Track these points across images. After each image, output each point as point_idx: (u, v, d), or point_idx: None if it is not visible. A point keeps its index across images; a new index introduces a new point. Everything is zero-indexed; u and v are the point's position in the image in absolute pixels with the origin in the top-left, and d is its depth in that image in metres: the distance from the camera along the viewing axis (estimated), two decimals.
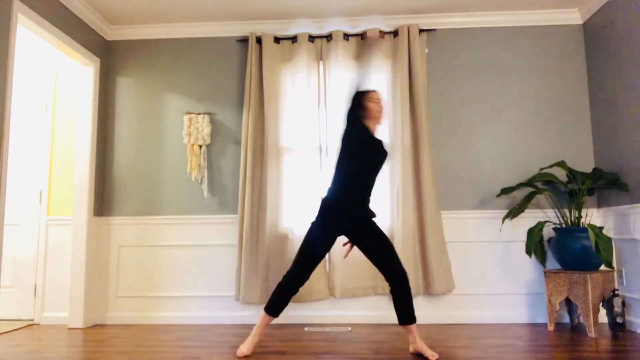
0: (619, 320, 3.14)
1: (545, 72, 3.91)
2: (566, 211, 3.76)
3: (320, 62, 3.95)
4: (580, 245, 3.28)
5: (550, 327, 3.39)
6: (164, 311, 3.85)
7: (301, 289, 3.62)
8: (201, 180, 3.93)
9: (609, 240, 3.08)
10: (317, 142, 3.83)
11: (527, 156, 3.84)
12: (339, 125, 3.80)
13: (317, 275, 3.69)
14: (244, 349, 2.79)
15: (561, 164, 3.50)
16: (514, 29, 3.96)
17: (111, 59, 4.14)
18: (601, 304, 3.25)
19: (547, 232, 3.74)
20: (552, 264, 3.72)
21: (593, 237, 3.10)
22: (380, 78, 3.89)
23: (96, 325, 3.80)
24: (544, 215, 3.76)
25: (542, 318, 3.67)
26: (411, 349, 2.78)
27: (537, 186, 3.59)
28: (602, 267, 3.52)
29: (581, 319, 3.57)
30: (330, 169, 3.78)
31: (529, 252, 3.45)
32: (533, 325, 3.57)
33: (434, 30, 3.97)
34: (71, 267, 3.72)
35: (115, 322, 3.85)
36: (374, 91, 2.89)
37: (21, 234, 3.99)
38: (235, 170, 3.93)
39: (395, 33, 3.91)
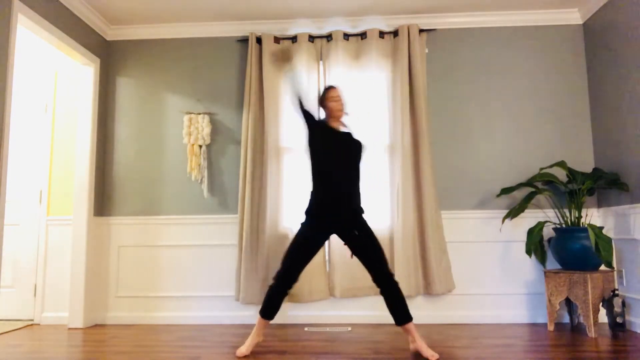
0: (619, 320, 3.14)
1: (545, 72, 3.91)
2: (566, 211, 3.76)
3: (320, 62, 3.95)
4: (580, 245, 3.28)
5: (550, 327, 3.39)
6: (164, 311, 3.85)
7: (301, 289, 3.63)
8: (201, 180, 3.93)
9: (609, 240, 3.08)
10: None
11: (527, 156, 3.84)
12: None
13: (317, 275, 3.69)
14: (244, 349, 2.80)
15: (561, 164, 3.50)
16: (514, 29, 3.96)
17: (111, 59, 4.14)
18: (601, 304, 3.25)
19: (547, 232, 3.74)
20: (552, 264, 3.72)
21: (593, 237, 3.10)
22: (380, 78, 3.89)
23: (96, 325, 3.80)
24: (544, 215, 3.76)
25: (542, 318, 3.67)
26: (411, 347, 2.78)
27: (537, 186, 3.59)
28: (602, 267, 3.52)
29: (581, 319, 3.57)
30: None
31: (529, 252, 3.45)
32: (533, 325, 3.57)
33: (434, 30, 3.97)
34: (71, 267, 3.72)
35: (115, 322, 3.85)
36: (332, 89, 2.94)
37: (21, 234, 3.99)
38: (235, 170, 3.93)
39: (395, 33, 3.91)
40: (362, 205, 2.90)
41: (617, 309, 3.15)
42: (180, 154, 3.99)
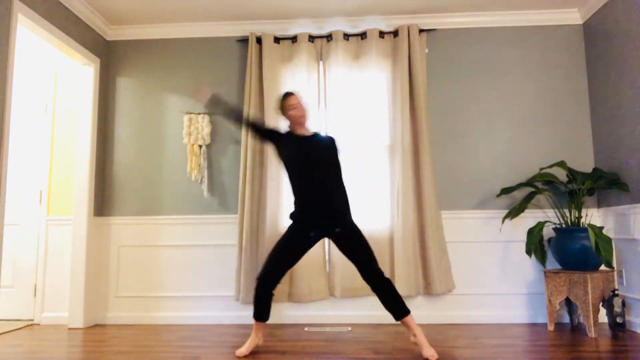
0: (619, 320, 3.14)
1: (545, 72, 3.91)
2: (566, 211, 3.76)
3: (320, 62, 3.95)
4: (580, 245, 3.28)
5: (550, 327, 3.39)
6: (164, 311, 3.85)
7: (301, 289, 3.63)
8: (201, 180, 3.93)
9: (609, 240, 3.08)
10: None
11: (527, 156, 3.84)
12: (339, 124, 3.82)
13: (317, 275, 3.69)
14: (244, 349, 2.80)
15: (561, 164, 3.50)
16: (514, 29, 3.96)
17: (111, 59, 4.14)
18: (601, 304, 3.25)
19: (547, 232, 3.74)
20: (552, 264, 3.72)
21: (593, 237, 3.10)
22: (380, 78, 3.89)
23: (96, 325, 3.80)
24: (544, 215, 3.76)
25: (542, 318, 3.67)
26: (412, 340, 2.74)
27: (537, 186, 3.59)
28: (602, 267, 3.52)
29: (581, 319, 3.57)
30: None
31: (529, 252, 3.45)
32: (533, 325, 3.57)
33: (434, 30, 3.97)
34: (71, 267, 3.72)
35: (115, 322, 3.85)
36: (290, 96, 2.91)
37: (21, 234, 3.99)
38: (235, 170, 3.93)
39: (395, 33, 3.91)
40: (348, 203, 2.85)
41: (617, 309, 3.15)
42: (180, 154, 3.99)
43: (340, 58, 3.87)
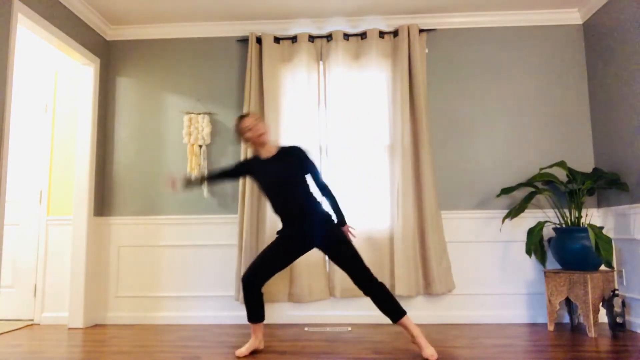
0: (619, 320, 3.14)
1: (545, 72, 3.91)
2: (566, 211, 3.76)
3: (320, 62, 3.95)
4: (580, 245, 3.28)
5: (550, 327, 3.39)
6: (164, 311, 3.85)
7: (301, 289, 3.63)
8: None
9: (609, 240, 3.08)
10: (317, 142, 3.83)
11: (527, 156, 3.84)
12: (339, 124, 3.82)
13: (317, 275, 3.69)
14: (244, 349, 2.81)
15: (561, 164, 3.50)
16: (514, 29, 3.96)
17: (111, 59, 4.14)
18: (601, 304, 3.25)
19: (547, 232, 3.74)
20: (552, 264, 3.72)
21: (593, 237, 3.10)
22: (380, 78, 3.89)
23: (96, 325, 3.80)
24: (544, 215, 3.76)
25: (542, 318, 3.67)
26: (412, 341, 2.74)
27: (537, 186, 3.59)
28: (602, 267, 3.52)
29: (581, 319, 3.57)
30: (330, 169, 3.79)
31: (529, 252, 3.45)
32: (533, 325, 3.57)
33: (434, 30, 3.97)
34: (71, 267, 3.72)
35: (115, 322, 3.85)
36: (243, 119, 2.88)
37: (21, 234, 3.99)
38: None
39: (395, 33, 3.91)
40: (323, 213, 2.83)
41: (617, 309, 3.15)
42: (180, 154, 3.99)
43: (340, 58, 3.87)
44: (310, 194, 2.86)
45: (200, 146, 3.92)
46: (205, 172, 2.90)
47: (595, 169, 3.60)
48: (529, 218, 3.77)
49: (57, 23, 3.43)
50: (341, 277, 3.68)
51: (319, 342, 3.11)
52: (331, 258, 2.80)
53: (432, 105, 3.93)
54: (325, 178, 3.79)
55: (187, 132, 3.89)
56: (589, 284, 3.16)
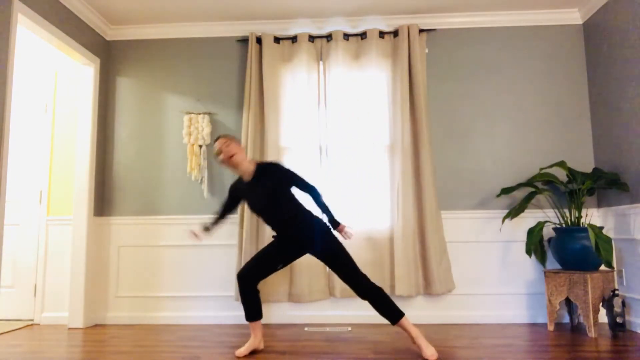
0: (619, 320, 3.14)
1: (545, 72, 3.91)
2: (566, 211, 3.76)
3: (320, 62, 3.95)
4: (580, 245, 3.28)
5: (550, 327, 3.39)
6: (164, 311, 3.85)
7: (301, 289, 3.63)
8: (201, 180, 3.93)
9: (609, 240, 3.08)
10: (317, 141, 3.83)
11: (527, 156, 3.84)
12: (339, 124, 3.82)
13: (317, 275, 3.69)
14: (243, 349, 2.81)
15: (561, 164, 3.50)
16: (514, 29, 3.96)
17: (111, 59, 4.14)
18: (601, 304, 3.25)
19: (547, 232, 3.74)
20: (552, 264, 3.72)
21: (593, 237, 3.10)
22: (380, 78, 3.89)
23: (96, 325, 3.80)
24: (544, 215, 3.76)
25: (542, 318, 3.67)
26: (412, 341, 2.75)
27: (537, 186, 3.58)
28: (602, 267, 3.52)
29: (581, 319, 3.57)
30: (330, 169, 3.79)
31: (529, 252, 3.45)
32: (533, 325, 3.57)
33: (434, 30, 3.97)
34: (71, 267, 3.72)
35: (115, 322, 3.85)
36: (214, 144, 2.89)
37: (21, 234, 3.99)
38: None
39: (395, 33, 3.91)
40: (311, 224, 2.82)
41: (617, 309, 3.15)
42: (180, 154, 3.99)
43: (340, 58, 3.87)
44: (300, 207, 2.86)
45: (200, 146, 3.92)
46: (213, 216, 3.06)
47: (595, 169, 3.60)
48: (529, 218, 3.77)
49: (57, 23, 3.43)
50: None
51: (319, 342, 3.11)
52: (326, 264, 2.83)
53: (432, 105, 3.93)
54: (324, 178, 3.79)
55: (187, 132, 3.89)
56: (589, 284, 3.16)
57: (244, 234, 3.69)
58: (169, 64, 4.09)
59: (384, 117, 3.86)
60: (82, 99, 3.87)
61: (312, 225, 2.82)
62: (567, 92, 3.88)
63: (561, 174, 3.79)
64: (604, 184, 3.49)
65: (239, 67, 4.06)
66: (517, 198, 3.79)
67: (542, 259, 3.63)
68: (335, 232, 3.52)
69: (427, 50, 3.96)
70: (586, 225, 3.28)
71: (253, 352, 2.86)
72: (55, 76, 4.10)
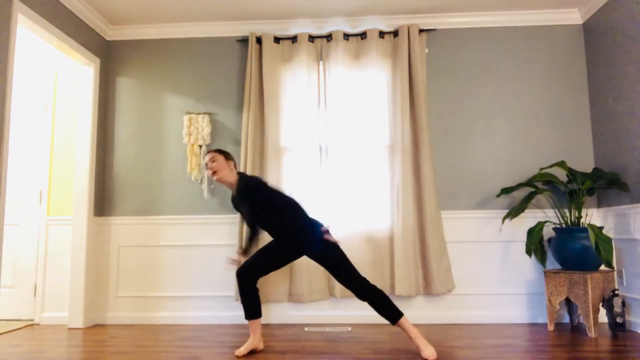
0: (619, 320, 3.14)
1: (545, 72, 3.91)
2: (566, 211, 3.76)
3: (320, 62, 3.95)
4: (580, 245, 3.28)
5: (550, 327, 3.38)
6: (164, 311, 3.85)
7: (301, 289, 3.63)
8: (201, 180, 3.93)
9: (609, 240, 3.08)
10: (317, 142, 3.83)
11: (527, 156, 3.84)
12: (339, 124, 3.82)
13: (317, 275, 3.69)
14: (243, 349, 2.81)
15: (561, 164, 3.50)
16: (514, 29, 3.96)
17: (111, 59, 4.14)
18: (601, 304, 3.25)
19: (547, 232, 3.74)
20: (552, 264, 3.72)
21: (593, 237, 3.10)
22: (380, 78, 3.89)
23: (96, 325, 3.80)
24: (544, 215, 3.76)
25: (542, 318, 3.67)
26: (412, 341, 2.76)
27: (537, 186, 3.58)
28: (602, 267, 3.52)
29: (581, 319, 3.57)
30: (330, 169, 3.79)
31: (529, 252, 3.45)
32: (533, 325, 3.57)
33: (434, 30, 3.97)
34: (71, 267, 3.72)
35: (115, 322, 3.85)
36: (204, 162, 2.94)
37: (21, 234, 3.99)
38: None
39: (395, 33, 3.91)
40: (303, 228, 2.81)
41: (617, 309, 3.15)
42: (180, 154, 3.99)
43: (340, 58, 3.87)
44: (292, 216, 2.83)
45: (200, 146, 3.92)
46: (244, 237, 3.12)
47: (595, 169, 3.60)
48: (529, 218, 3.77)
49: (57, 23, 3.43)
50: None
51: (319, 342, 3.11)
52: (324, 268, 2.85)
53: (432, 105, 3.93)
54: (324, 178, 3.79)
55: (187, 132, 3.89)
56: (589, 284, 3.16)
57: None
58: (169, 64, 4.09)
59: (383, 117, 3.86)
60: (82, 99, 3.87)
61: (307, 230, 2.82)
62: (567, 92, 3.88)
63: (561, 174, 3.79)
64: (604, 184, 3.49)
65: (239, 67, 4.06)
66: (517, 198, 3.79)
67: (542, 259, 3.63)
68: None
69: (427, 50, 3.96)
70: (586, 225, 3.28)
71: (252, 352, 2.87)
72: (55, 76, 4.10)
